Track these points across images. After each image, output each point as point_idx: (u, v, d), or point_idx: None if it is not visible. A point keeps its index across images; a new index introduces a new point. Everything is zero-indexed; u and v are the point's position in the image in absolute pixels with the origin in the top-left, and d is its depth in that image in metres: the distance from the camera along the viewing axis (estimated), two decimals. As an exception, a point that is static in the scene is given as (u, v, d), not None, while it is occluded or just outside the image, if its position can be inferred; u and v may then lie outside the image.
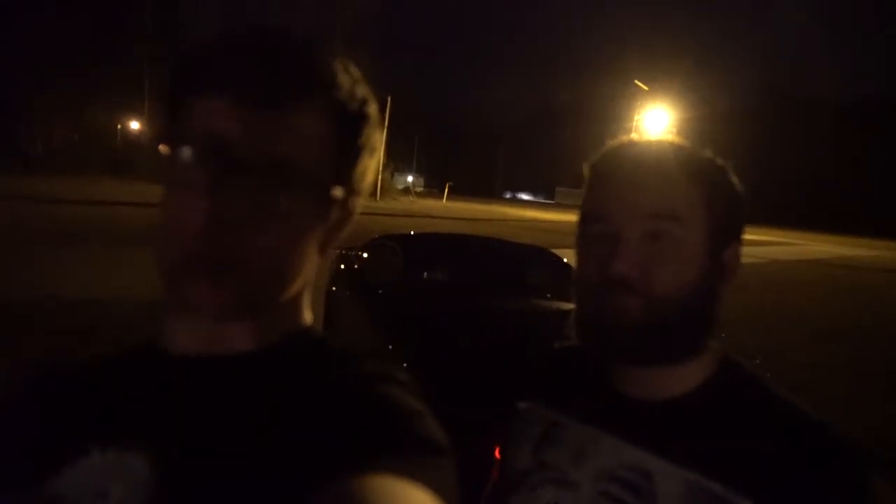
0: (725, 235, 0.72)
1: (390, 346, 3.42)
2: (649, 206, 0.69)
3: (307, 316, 0.63)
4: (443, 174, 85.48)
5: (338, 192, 0.56)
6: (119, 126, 43.71)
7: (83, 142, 38.51)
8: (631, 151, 0.74)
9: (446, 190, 57.44)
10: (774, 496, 0.62)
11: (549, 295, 4.26)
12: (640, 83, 34.06)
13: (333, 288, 5.02)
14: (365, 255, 5.05)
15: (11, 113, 35.05)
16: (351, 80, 0.56)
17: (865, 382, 6.50)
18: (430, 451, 0.49)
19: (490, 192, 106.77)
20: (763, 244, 29.49)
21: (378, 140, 0.61)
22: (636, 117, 33.68)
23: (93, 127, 39.94)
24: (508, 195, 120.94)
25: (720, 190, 0.72)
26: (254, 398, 0.54)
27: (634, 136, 0.76)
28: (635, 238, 0.69)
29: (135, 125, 43.01)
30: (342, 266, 5.15)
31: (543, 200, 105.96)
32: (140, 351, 0.60)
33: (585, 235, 0.75)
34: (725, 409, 0.69)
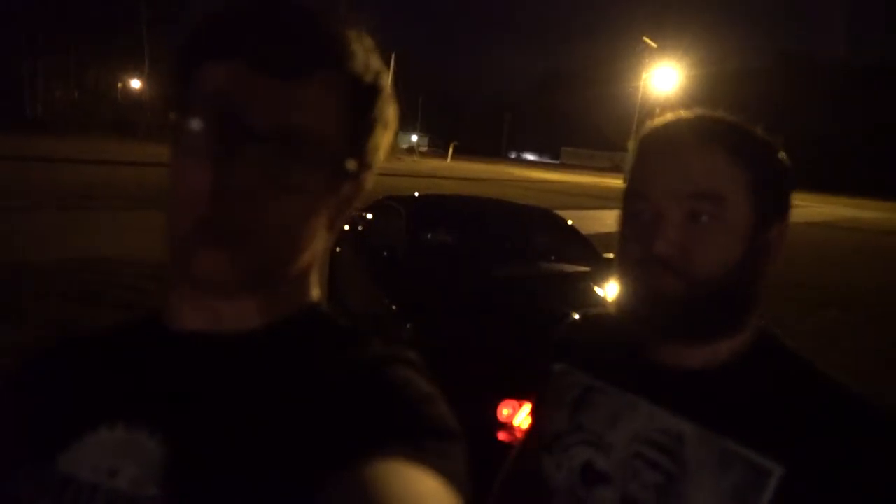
0: (770, 215, 0.71)
1: (393, 308, 3.44)
2: (692, 187, 0.68)
3: (315, 292, 0.62)
4: (448, 134, 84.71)
5: (350, 165, 0.54)
6: (120, 85, 43.30)
7: (84, 101, 38.22)
8: (675, 128, 0.73)
9: (450, 150, 56.98)
10: (807, 463, 0.63)
11: (552, 257, 4.27)
12: (648, 40, 33.35)
13: (338, 249, 5.03)
14: (369, 216, 5.04)
15: (13, 75, 34.74)
16: (365, 51, 0.54)
17: (867, 349, 6.50)
18: (441, 436, 0.49)
19: (495, 152, 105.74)
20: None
21: (392, 114, 0.59)
22: (644, 76, 33.09)
23: (93, 86, 39.61)
24: (513, 155, 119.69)
25: (766, 169, 0.71)
26: (262, 378, 0.53)
27: (684, 111, 0.75)
28: (677, 218, 0.69)
29: (135, 83, 42.58)
30: (346, 227, 5.15)
31: (549, 160, 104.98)
32: (146, 325, 0.59)
33: (628, 213, 0.75)
34: (760, 378, 0.70)
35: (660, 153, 0.72)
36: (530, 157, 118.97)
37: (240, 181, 0.48)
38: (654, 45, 33.79)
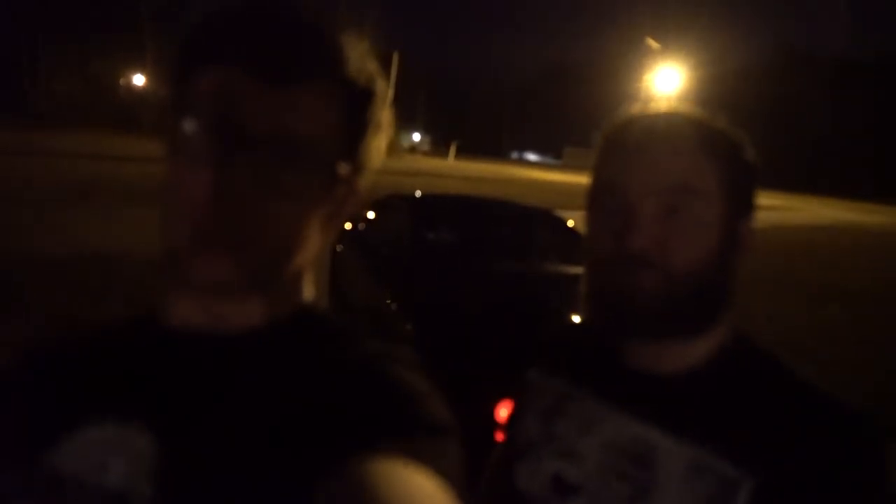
0: (740, 209, 0.71)
1: (394, 307, 3.44)
2: (665, 180, 0.67)
3: (309, 293, 0.62)
4: (449, 133, 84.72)
5: (344, 169, 0.55)
6: (121, 80, 43.34)
7: (86, 96, 38.23)
8: (646, 122, 0.72)
9: (453, 149, 56.99)
10: (779, 474, 0.61)
11: (553, 257, 4.26)
12: (652, 41, 33.29)
13: (339, 246, 5.03)
14: (371, 214, 5.04)
15: (15, 69, 34.77)
16: (360, 56, 0.55)
17: (865, 345, 6.52)
18: (435, 433, 0.49)
19: (497, 152, 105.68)
20: (769, 209, 29.14)
21: (386, 117, 0.60)
22: (647, 76, 33.05)
23: (96, 81, 39.64)
24: (515, 155, 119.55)
25: (736, 163, 0.71)
26: (257, 377, 0.54)
27: (650, 104, 0.74)
28: (651, 212, 0.67)
29: (138, 79, 42.59)
30: (349, 225, 5.14)
31: (551, 160, 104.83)
32: (141, 323, 0.60)
33: (598, 207, 0.73)
34: (733, 384, 0.69)
35: (632, 148, 0.70)
36: (532, 157, 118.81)
37: (237, 187, 0.49)
38: (656, 45, 33.75)
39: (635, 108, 0.75)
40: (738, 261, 0.72)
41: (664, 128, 0.70)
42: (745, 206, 0.72)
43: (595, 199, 0.74)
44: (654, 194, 0.67)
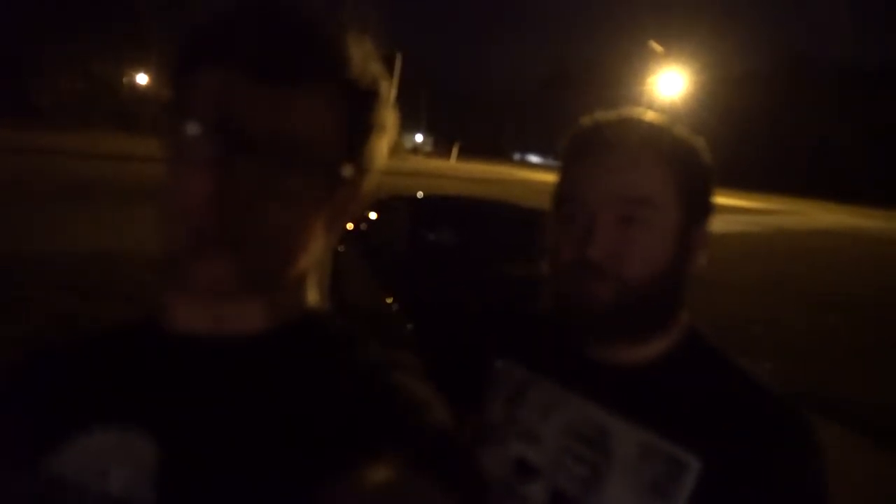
0: (696, 216, 0.74)
1: (395, 307, 3.44)
2: (623, 191, 0.70)
3: (313, 296, 0.62)
4: (452, 134, 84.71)
5: (346, 171, 0.54)
6: (125, 78, 43.36)
7: (90, 95, 38.21)
8: (607, 133, 0.74)
9: (455, 150, 57.00)
10: (723, 456, 0.66)
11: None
12: (655, 44, 33.28)
13: (340, 247, 5.03)
14: (373, 214, 5.04)
15: (18, 67, 34.79)
16: (363, 56, 0.54)
17: (863, 351, 6.51)
18: (437, 440, 0.49)
19: (499, 153, 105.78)
20: (771, 213, 29.18)
21: (391, 118, 0.59)
22: (649, 80, 33.03)
23: (99, 80, 39.65)
24: (518, 156, 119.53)
25: (692, 172, 0.73)
26: (259, 381, 0.53)
27: (611, 113, 0.77)
28: (609, 222, 0.70)
29: (141, 78, 42.62)
30: (350, 226, 5.14)
31: (553, 162, 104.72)
32: (143, 326, 0.59)
33: (560, 213, 0.76)
34: (685, 376, 0.73)
35: (592, 157, 0.73)
36: (535, 158, 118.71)
37: (234, 191, 0.48)
38: (660, 49, 33.69)
39: (599, 116, 0.77)
40: (693, 264, 0.75)
41: (624, 138, 0.73)
42: (701, 212, 0.75)
43: (557, 206, 0.77)
44: (612, 205, 0.70)
